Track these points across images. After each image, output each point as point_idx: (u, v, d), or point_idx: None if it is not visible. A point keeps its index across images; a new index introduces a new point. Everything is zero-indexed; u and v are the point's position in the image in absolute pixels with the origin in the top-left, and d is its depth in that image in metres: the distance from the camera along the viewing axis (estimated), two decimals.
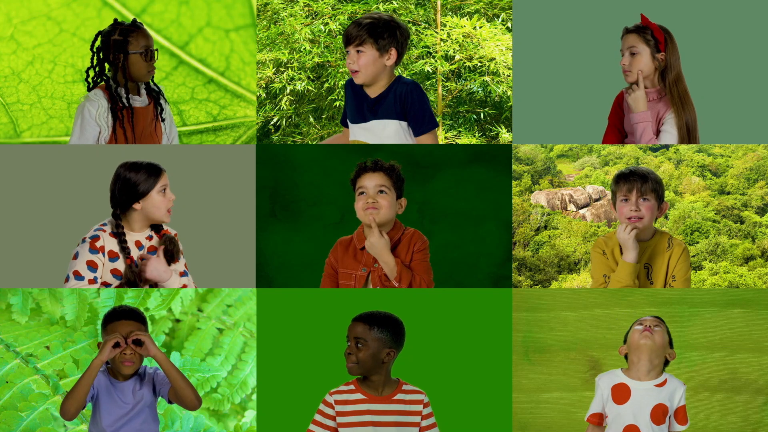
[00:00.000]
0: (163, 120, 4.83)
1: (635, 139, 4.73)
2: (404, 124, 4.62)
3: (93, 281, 4.40)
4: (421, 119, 4.60)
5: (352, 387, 3.88)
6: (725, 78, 5.61)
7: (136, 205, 4.43)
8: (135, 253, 4.48)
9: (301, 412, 4.22)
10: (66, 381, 4.46)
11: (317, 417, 3.86)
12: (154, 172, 4.43)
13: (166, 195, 4.46)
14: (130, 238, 4.47)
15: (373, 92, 4.61)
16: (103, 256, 4.42)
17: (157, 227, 4.55)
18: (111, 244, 4.43)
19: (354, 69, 4.56)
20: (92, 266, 4.40)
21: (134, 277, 4.44)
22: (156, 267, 4.45)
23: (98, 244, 4.41)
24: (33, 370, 4.46)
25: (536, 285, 17.15)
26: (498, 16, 8.01)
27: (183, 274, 4.58)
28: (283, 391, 4.79)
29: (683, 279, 4.37)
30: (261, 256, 5.57)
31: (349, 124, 4.73)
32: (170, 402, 3.97)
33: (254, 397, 4.84)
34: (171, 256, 4.53)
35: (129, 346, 3.86)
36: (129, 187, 4.41)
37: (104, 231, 4.44)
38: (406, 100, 4.57)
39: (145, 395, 3.94)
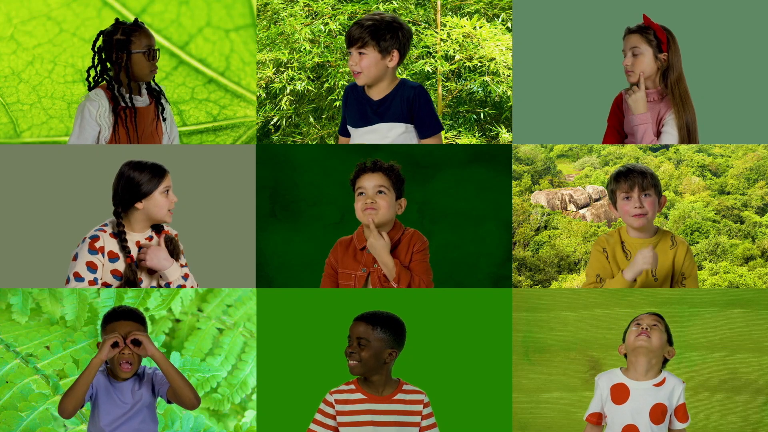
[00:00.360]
0: (164, 119, 4.83)
1: (636, 140, 4.73)
2: (410, 126, 4.62)
3: (93, 282, 4.40)
4: (428, 123, 4.60)
5: (352, 387, 3.88)
6: (725, 78, 5.61)
7: (138, 205, 4.43)
8: (135, 254, 4.48)
9: (301, 412, 4.22)
10: (66, 381, 4.46)
11: (318, 416, 3.86)
12: (158, 172, 4.43)
13: (169, 196, 4.46)
14: (131, 238, 4.46)
15: (376, 95, 4.60)
16: (103, 256, 4.42)
17: (157, 228, 4.54)
18: (111, 244, 4.42)
19: (356, 71, 4.55)
20: (92, 267, 4.39)
21: (134, 276, 4.43)
22: (156, 254, 4.45)
23: (98, 244, 4.40)
24: (33, 370, 4.46)
25: (536, 285, 17.15)
26: (498, 16, 8.01)
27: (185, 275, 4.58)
28: (283, 391, 4.79)
29: (694, 277, 4.39)
30: (261, 256, 5.58)
31: (351, 130, 4.71)
32: (169, 402, 3.97)
33: (254, 397, 4.84)
34: (176, 254, 4.54)
35: (127, 345, 3.87)
36: (132, 187, 4.41)
37: (104, 231, 4.43)
38: (414, 104, 4.57)
39: (143, 395, 3.94)
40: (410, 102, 4.57)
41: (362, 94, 4.63)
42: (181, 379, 3.88)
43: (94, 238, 4.41)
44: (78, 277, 4.38)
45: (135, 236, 4.48)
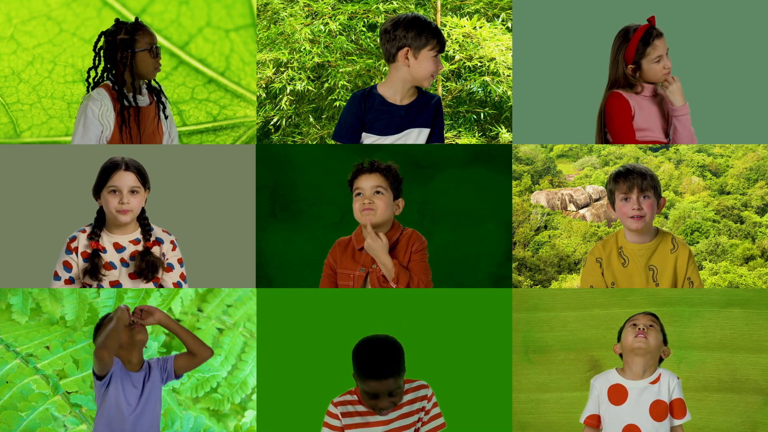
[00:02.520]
0: (166, 117, 4.83)
1: (681, 131, 4.70)
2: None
3: (69, 281, 4.42)
4: (441, 131, 4.64)
5: (355, 398, 3.86)
6: (725, 78, 5.61)
7: (98, 202, 4.44)
8: (114, 256, 4.45)
9: (301, 412, 4.22)
10: (66, 381, 4.46)
11: (325, 430, 3.85)
12: (105, 171, 4.42)
13: (116, 196, 4.39)
14: (109, 239, 4.45)
15: (405, 100, 4.59)
16: (77, 256, 4.43)
17: (146, 233, 4.50)
18: (84, 245, 4.44)
19: (436, 75, 4.62)
20: (67, 266, 4.42)
21: (95, 269, 4.40)
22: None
23: (73, 245, 4.44)
24: (33, 370, 4.46)
25: (536, 285, 17.15)
26: (498, 16, 8.01)
27: (176, 284, 4.54)
28: (283, 391, 4.79)
29: (699, 279, 4.38)
30: (261, 256, 5.58)
31: (375, 138, 4.65)
32: (178, 376, 4.00)
33: (254, 397, 4.84)
34: (149, 272, 4.47)
35: (138, 319, 3.96)
36: (96, 183, 4.44)
37: (84, 232, 4.46)
38: (437, 111, 4.63)
39: (154, 379, 3.97)
40: (436, 109, 4.62)
41: (384, 101, 4.58)
42: (191, 335, 4.00)
43: (72, 239, 4.45)
44: (56, 276, 4.43)
45: (114, 238, 4.46)
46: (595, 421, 3.94)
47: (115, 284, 4.45)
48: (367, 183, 4.26)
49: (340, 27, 8.02)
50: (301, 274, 5.57)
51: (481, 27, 7.88)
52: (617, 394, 3.90)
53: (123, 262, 4.45)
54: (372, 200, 4.24)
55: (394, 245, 4.28)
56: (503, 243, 5.62)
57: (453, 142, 7.94)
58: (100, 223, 4.46)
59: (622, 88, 4.70)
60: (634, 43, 4.62)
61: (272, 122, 8.32)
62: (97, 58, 4.68)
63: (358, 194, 4.28)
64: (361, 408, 3.85)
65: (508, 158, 5.68)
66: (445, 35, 7.90)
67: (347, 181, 4.33)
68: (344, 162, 4.60)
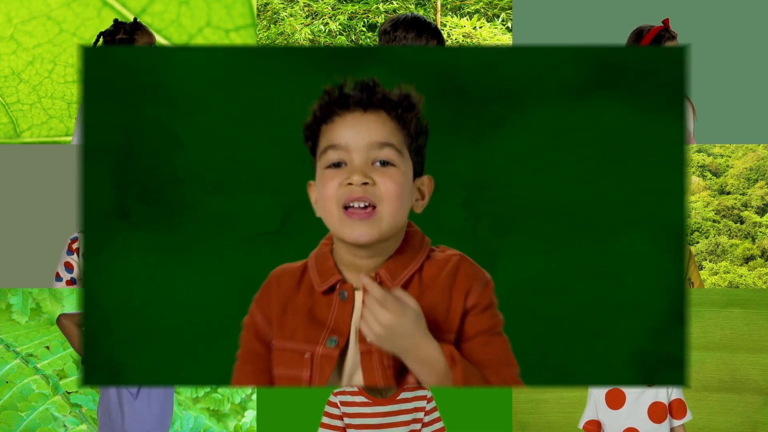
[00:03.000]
0: None
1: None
2: None
3: (70, 282, 4.43)
4: None
5: (355, 389, 3.87)
6: (725, 78, 5.60)
7: None
8: None
9: (301, 412, 4.22)
10: (66, 381, 4.46)
11: (325, 419, 3.84)
12: None
13: None
14: None
15: None
16: (78, 257, 4.44)
17: None
18: None
19: None
20: (68, 267, 4.43)
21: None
22: None
23: (75, 245, 4.45)
24: (33, 370, 4.46)
25: None
26: (498, 16, 8.01)
27: None
28: (283, 391, 4.79)
29: (699, 279, 4.38)
30: (92, 305, 2.74)
31: None
32: None
33: (254, 397, 4.84)
34: None
35: None
36: None
37: None
38: None
39: None
40: None
41: None
42: None
43: (73, 240, 4.46)
44: (58, 277, 4.44)
45: None
46: (594, 426, 3.93)
47: None
48: (358, 135, 1.93)
49: (340, 27, 8.02)
50: (178, 348, 2.73)
51: (481, 27, 7.89)
52: (615, 399, 3.89)
53: None
54: (371, 178, 1.92)
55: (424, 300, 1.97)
56: None
57: None
58: None
59: None
60: (645, 44, 4.63)
61: None
62: None
63: (336, 164, 1.94)
64: (360, 398, 3.84)
65: None
66: (445, 35, 7.91)
67: (304, 127, 2.00)
68: (287, 87, 2.44)
